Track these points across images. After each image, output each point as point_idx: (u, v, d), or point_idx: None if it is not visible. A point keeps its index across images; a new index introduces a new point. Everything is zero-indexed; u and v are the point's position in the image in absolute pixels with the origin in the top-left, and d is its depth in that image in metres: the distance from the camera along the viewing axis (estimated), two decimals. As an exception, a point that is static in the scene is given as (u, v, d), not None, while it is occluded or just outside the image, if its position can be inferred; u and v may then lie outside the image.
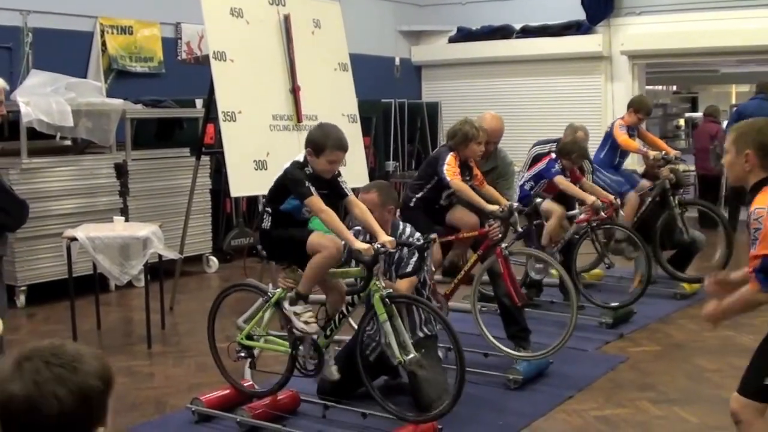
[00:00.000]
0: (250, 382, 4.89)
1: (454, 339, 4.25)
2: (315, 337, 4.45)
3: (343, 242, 4.43)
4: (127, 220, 6.74)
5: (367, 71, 11.17)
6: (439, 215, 5.61)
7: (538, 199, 5.85)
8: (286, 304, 4.47)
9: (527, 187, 6.74)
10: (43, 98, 7.37)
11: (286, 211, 4.42)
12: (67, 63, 8.61)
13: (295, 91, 6.95)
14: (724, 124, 12.20)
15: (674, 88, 19.51)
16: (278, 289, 4.64)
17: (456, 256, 5.75)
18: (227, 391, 4.79)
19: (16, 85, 7.73)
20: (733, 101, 17.20)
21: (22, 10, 8.63)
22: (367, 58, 11.84)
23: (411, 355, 4.24)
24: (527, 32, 12.93)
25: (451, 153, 5.37)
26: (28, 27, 8.68)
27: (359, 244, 4.21)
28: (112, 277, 6.40)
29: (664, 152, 7.52)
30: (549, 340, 5.41)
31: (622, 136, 7.55)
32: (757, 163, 3.13)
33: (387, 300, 4.27)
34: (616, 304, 6.73)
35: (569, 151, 6.54)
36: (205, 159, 8.35)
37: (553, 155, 6.60)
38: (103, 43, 9.44)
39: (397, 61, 13.76)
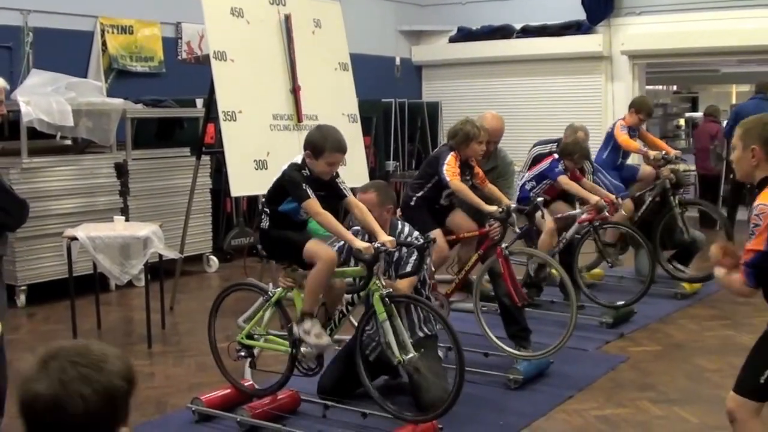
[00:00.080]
0: (251, 382, 4.89)
1: (454, 338, 4.25)
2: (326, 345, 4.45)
3: (342, 242, 4.44)
4: (127, 220, 6.74)
5: (368, 71, 11.17)
6: (440, 215, 5.61)
7: (539, 199, 5.84)
8: (295, 328, 4.46)
9: (528, 187, 6.74)
10: (44, 98, 7.37)
11: (284, 212, 4.43)
12: (68, 63, 8.61)
13: (295, 90, 6.95)
14: (725, 123, 12.20)
15: (674, 88, 19.49)
16: (278, 289, 4.65)
17: (466, 254, 5.74)
18: (227, 391, 4.79)
19: (17, 85, 7.73)
20: (734, 101, 17.19)
21: (22, 10, 8.63)
22: (368, 58, 11.84)
23: (410, 355, 4.24)
24: (527, 32, 12.93)
25: (452, 153, 5.36)
26: (29, 26, 8.67)
27: (359, 243, 4.22)
28: (112, 277, 6.40)
29: (664, 152, 7.53)
30: (549, 340, 5.41)
31: (622, 137, 7.56)
32: (763, 158, 3.15)
33: (386, 299, 4.27)
34: (620, 303, 6.73)
35: (571, 151, 6.55)
36: (206, 159, 8.36)
37: (556, 156, 6.60)
38: (104, 43, 9.44)
39: (398, 61, 13.76)
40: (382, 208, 4.71)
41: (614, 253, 7.26)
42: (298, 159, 4.39)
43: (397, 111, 12.54)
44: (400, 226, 4.89)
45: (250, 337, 4.69)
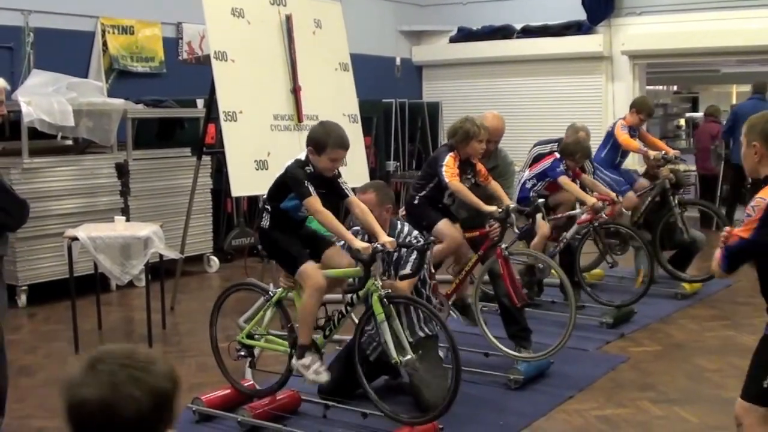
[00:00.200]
0: (251, 382, 4.89)
1: (450, 339, 4.26)
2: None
3: (342, 242, 4.45)
4: (128, 220, 6.75)
5: (368, 71, 11.18)
6: (443, 214, 5.60)
7: (540, 200, 5.85)
8: (294, 360, 4.46)
9: (529, 185, 6.74)
10: (45, 98, 7.37)
11: (285, 209, 4.43)
12: (69, 63, 8.62)
13: (296, 91, 6.96)
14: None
15: (675, 88, 19.49)
16: (279, 289, 4.65)
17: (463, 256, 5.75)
18: (228, 391, 4.80)
19: (18, 85, 7.74)
20: (734, 101, 17.17)
21: (23, 10, 8.64)
22: (368, 58, 11.85)
23: (408, 356, 4.25)
24: (528, 32, 12.93)
25: (450, 153, 5.35)
26: (30, 27, 8.68)
27: (358, 243, 4.22)
28: (113, 277, 6.40)
29: (663, 152, 7.53)
30: (550, 340, 5.41)
31: (623, 136, 7.56)
32: (765, 154, 3.20)
33: (385, 300, 4.28)
34: (619, 302, 6.74)
35: (573, 151, 6.55)
36: (206, 159, 8.36)
37: (557, 155, 6.60)
38: (104, 43, 9.44)
39: (398, 61, 13.76)
40: (381, 208, 4.71)
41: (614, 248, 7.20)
42: (302, 155, 4.40)
43: (397, 111, 12.54)
44: (399, 226, 4.90)
45: (250, 337, 4.70)
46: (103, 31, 9.43)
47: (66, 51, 8.87)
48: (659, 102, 17.27)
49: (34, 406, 4.93)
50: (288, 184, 4.35)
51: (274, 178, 4.53)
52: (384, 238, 4.27)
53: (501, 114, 6.21)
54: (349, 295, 4.51)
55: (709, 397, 4.96)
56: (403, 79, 13.78)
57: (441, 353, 4.98)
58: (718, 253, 3.22)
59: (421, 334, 4.80)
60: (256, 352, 4.79)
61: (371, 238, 4.40)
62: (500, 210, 5.24)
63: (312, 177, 4.31)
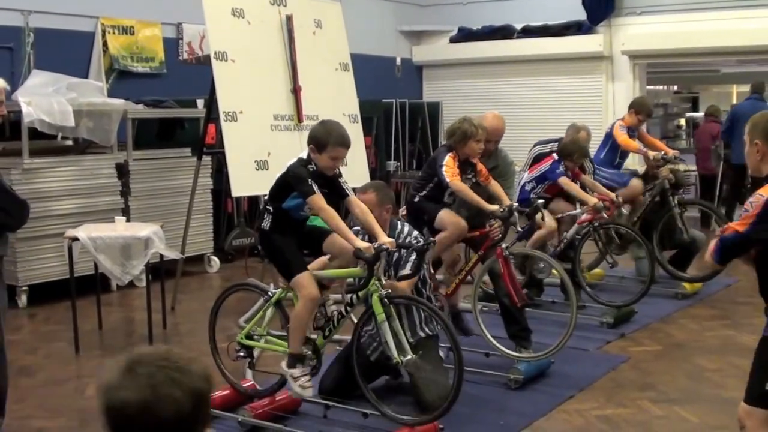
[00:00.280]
0: (251, 382, 4.89)
1: (453, 339, 4.26)
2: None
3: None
4: (128, 220, 6.76)
5: (368, 71, 11.19)
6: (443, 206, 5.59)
7: (540, 200, 5.85)
8: (283, 365, 4.47)
9: (528, 188, 6.74)
10: (45, 98, 7.37)
11: (287, 209, 4.43)
12: (69, 63, 8.62)
13: (296, 91, 6.96)
14: (725, 124, 12.21)
15: (675, 88, 19.49)
16: (279, 289, 4.65)
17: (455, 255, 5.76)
18: (228, 391, 4.80)
19: (18, 85, 7.74)
20: (734, 101, 17.16)
21: (23, 11, 8.64)
22: (368, 58, 11.85)
23: (408, 357, 4.25)
24: (528, 32, 12.94)
25: (449, 153, 5.35)
26: (30, 27, 8.68)
27: (360, 243, 4.22)
28: (113, 277, 6.40)
29: (663, 152, 7.54)
30: (550, 340, 5.41)
31: (622, 137, 7.57)
32: (767, 152, 3.22)
33: (386, 300, 4.28)
34: (620, 302, 6.75)
35: (570, 152, 6.55)
36: (207, 159, 8.36)
37: (555, 156, 6.60)
38: (105, 44, 9.45)
39: (398, 61, 13.77)
40: (381, 208, 4.71)
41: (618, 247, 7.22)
42: (304, 154, 4.40)
43: (397, 111, 12.55)
44: (399, 226, 4.90)
45: (249, 337, 4.69)
46: (104, 32, 9.43)
47: (66, 51, 8.88)
48: (659, 102, 17.27)
49: (34, 407, 4.93)
50: (290, 183, 4.35)
51: (274, 178, 4.53)
52: (384, 238, 4.27)
53: (501, 114, 6.21)
54: (349, 295, 4.51)
55: (710, 397, 4.96)
56: (403, 79, 13.79)
57: (441, 353, 4.98)
58: (713, 244, 3.25)
59: (422, 334, 4.80)
60: (256, 352, 4.79)
61: (371, 238, 4.40)
62: (502, 209, 5.24)
63: (314, 176, 4.31)
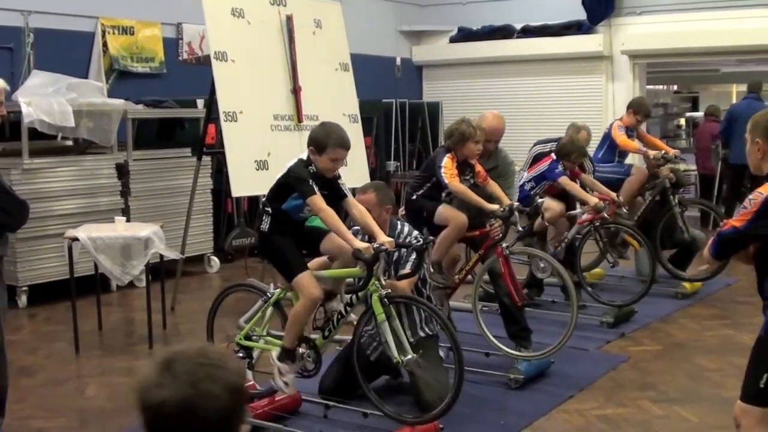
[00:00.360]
0: (251, 382, 4.88)
1: (453, 339, 4.26)
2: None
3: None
4: (128, 221, 6.75)
5: (368, 71, 11.19)
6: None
7: (540, 200, 5.85)
8: (273, 355, 4.49)
9: (527, 187, 6.74)
10: (45, 98, 7.37)
11: (286, 210, 4.43)
12: (69, 63, 8.62)
13: (296, 91, 6.96)
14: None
15: (675, 87, 19.49)
16: (278, 290, 4.65)
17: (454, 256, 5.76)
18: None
19: (18, 86, 7.74)
20: (734, 101, 17.15)
21: (23, 11, 8.64)
22: (368, 58, 11.85)
23: (409, 356, 4.25)
24: (528, 32, 12.94)
25: (448, 154, 5.36)
26: (30, 27, 8.68)
27: (359, 243, 4.22)
28: (113, 278, 6.40)
29: (663, 151, 7.54)
30: (550, 340, 5.41)
31: (620, 137, 7.57)
32: (767, 150, 3.20)
33: (385, 300, 4.28)
34: (620, 302, 6.75)
35: (568, 151, 6.54)
36: (207, 159, 8.36)
37: (554, 156, 6.60)
38: (105, 44, 9.45)
39: (398, 61, 13.77)
40: (381, 208, 4.71)
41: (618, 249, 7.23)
42: (304, 156, 4.41)
43: (397, 111, 12.55)
44: (399, 226, 4.90)
45: (248, 338, 4.69)
46: (103, 32, 9.43)
47: (66, 51, 8.88)
48: (659, 102, 17.28)
49: (35, 407, 4.93)
50: (290, 184, 4.36)
51: (274, 178, 4.53)
52: (382, 238, 4.27)
53: (501, 114, 6.21)
54: (349, 295, 4.52)
55: (710, 397, 4.96)
56: (403, 79, 13.79)
57: (441, 353, 4.98)
58: (711, 240, 3.27)
59: (422, 333, 4.80)
60: (255, 353, 4.78)
61: (371, 238, 4.40)
62: (503, 209, 5.24)
63: (314, 177, 4.32)
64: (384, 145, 12.21)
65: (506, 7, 13.21)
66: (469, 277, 5.73)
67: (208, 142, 8.11)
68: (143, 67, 9.86)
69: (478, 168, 5.53)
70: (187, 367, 1.63)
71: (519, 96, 12.81)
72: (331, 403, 4.66)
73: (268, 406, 4.61)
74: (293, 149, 6.02)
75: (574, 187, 6.53)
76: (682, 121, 18.30)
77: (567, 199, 6.76)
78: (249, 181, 6.53)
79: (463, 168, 5.43)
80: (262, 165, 6.60)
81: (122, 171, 7.21)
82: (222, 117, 6.47)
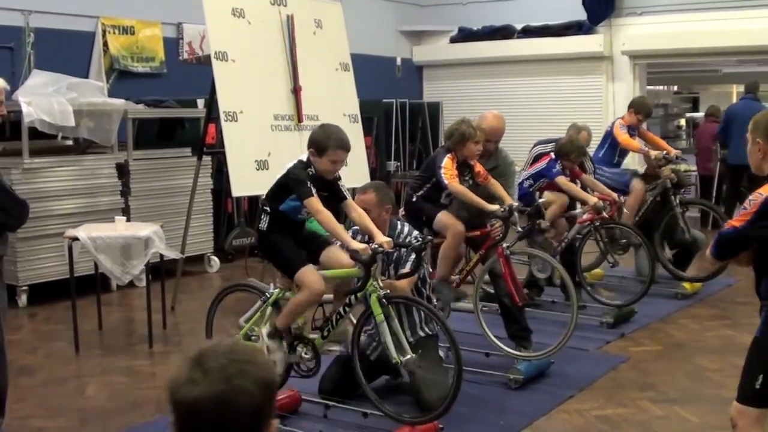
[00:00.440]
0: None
1: (451, 339, 4.26)
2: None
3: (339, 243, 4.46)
4: (128, 220, 6.75)
5: (369, 71, 11.19)
6: (442, 207, 5.59)
7: (541, 200, 5.85)
8: (264, 331, 4.51)
9: (526, 184, 6.74)
10: (45, 98, 7.37)
11: (284, 211, 4.43)
12: (69, 63, 8.62)
13: (296, 91, 6.96)
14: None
15: (675, 88, 19.50)
16: (277, 290, 4.65)
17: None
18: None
19: (18, 85, 7.74)
20: (734, 101, 17.18)
21: (23, 10, 8.65)
22: (369, 58, 11.86)
23: (407, 357, 4.25)
24: (528, 32, 12.94)
25: (448, 155, 5.36)
26: (30, 27, 8.68)
27: (356, 244, 4.23)
28: (113, 277, 6.40)
29: (665, 152, 7.53)
30: (550, 340, 5.41)
31: (622, 136, 7.56)
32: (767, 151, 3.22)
33: (384, 300, 4.28)
34: (620, 302, 6.75)
35: (567, 151, 6.54)
36: (207, 159, 8.36)
37: (553, 155, 6.60)
38: (105, 43, 9.45)
39: (399, 61, 13.77)
40: (380, 208, 4.72)
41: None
42: (304, 157, 4.41)
43: (398, 111, 12.55)
44: (399, 227, 4.90)
45: (247, 338, 4.69)
46: (104, 32, 9.44)
47: (66, 51, 8.88)
48: (660, 102, 17.28)
49: (35, 406, 4.93)
50: (289, 185, 4.36)
51: (274, 178, 4.53)
52: (381, 238, 4.27)
53: (501, 114, 6.21)
54: (348, 296, 4.51)
55: (710, 397, 4.95)
56: (403, 79, 13.79)
57: (441, 353, 4.98)
58: (712, 240, 3.29)
59: (422, 333, 4.80)
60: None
61: (369, 238, 4.40)
62: (503, 209, 5.24)
63: (313, 179, 4.32)
64: (384, 145, 12.22)
65: (507, 8, 13.22)
66: (469, 277, 5.74)
67: (208, 142, 8.11)
68: (144, 67, 9.86)
69: (478, 168, 5.52)
70: (218, 362, 1.63)
71: (519, 96, 12.81)
72: (330, 403, 4.66)
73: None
74: (293, 149, 6.03)
75: (572, 188, 6.53)
76: (683, 122, 18.31)
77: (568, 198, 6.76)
78: (249, 181, 6.53)
79: (462, 169, 5.43)
80: (262, 165, 6.60)
81: (122, 171, 7.21)
82: (222, 117, 6.47)
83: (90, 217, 7.40)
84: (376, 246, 4.21)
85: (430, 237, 4.95)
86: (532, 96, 12.79)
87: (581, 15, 12.39)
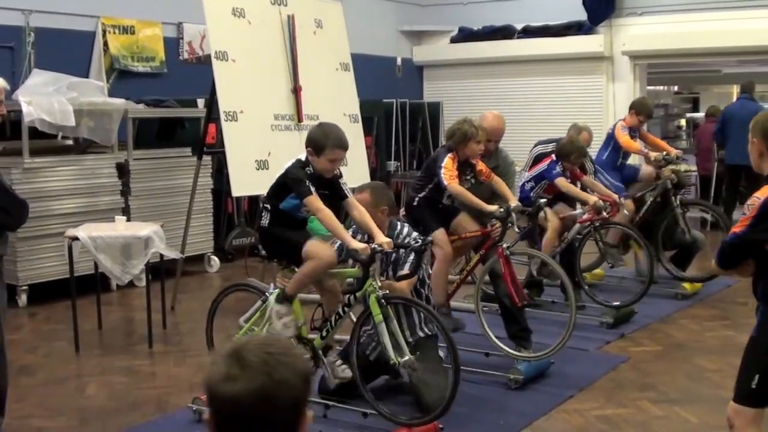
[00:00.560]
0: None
1: (449, 339, 4.26)
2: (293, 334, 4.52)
3: (339, 242, 4.45)
4: (128, 220, 6.75)
5: (369, 71, 11.19)
6: (444, 213, 5.60)
7: (542, 200, 5.85)
8: (271, 299, 4.51)
9: (527, 187, 6.74)
10: (45, 98, 7.37)
11: (285, 209, 4.44)
12: (69, 63, 8.62)
13: (296, 91, 6.96)
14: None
15: (675, 88, 19.48)
16: (276, 289, 4.66)
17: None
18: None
19: (18, 85, 7.74)
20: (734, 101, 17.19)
21: (24, 10, 8.64)
22: (369, 58, 11.85)
23: (406, 357, 4.25)
24: (529, 32, 12.93)
25: (449, 155, 5.35)
26: (30, 26, 8.68)
27: (356, 244, 4.23)
28: (113, 277, 6.40)
29: (665, 153, 7.54)
30: (550, 340, 5.41)
31: (623, 137, 7.56)
32: (764, 151, 3.25)
33: (383, 301, 4.28)
34: (620, 302, 6.75)
35: (568, 152, 6.54)
36: (207, 159, 8.36)
37: (554, 156, 6.60)
38: (105, 43, 9.45)
39: (399, 61, 13.77)
40: (375, 209, 4.69)
41: (617, 254, 7.26)
42: (302, 156, 4.41)
43: (398, 111, 12.54)
44: (399, 227, 4.90)
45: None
46: (104, 31, 9.43)
47: (67, 51, 8.88)
48: (660, 102, 17.26)
49: (34, 406, 4.93)
50: (288, 185, 4.36)
51: (274, 178, 4.54)
52: (381, 238, 4.28)
53: (502, 114, 6.21)
54: (347, 296, 4.52)
55: (710, 397, 4.95)
56: (403, 79, 13.79)
57: (441, 353, 4.98)
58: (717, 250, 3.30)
59: (421, 334, 4.80)
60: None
61: (369, 238, 4.40)
62: (501, 210, 5.24)
63: (312, 177, 4.32)
64: (384, 145, 12.21)
65: (507, 8, 13.21)
66: (469, 277, 5.74)
67: (208, 142, 8.11)
68: (144, 67, 9.86)
69: (480, 166, 5.52)
70: (257, 357, 1.62)
71: (520, 96, 12.81)
72: (330, 403, 4.65)
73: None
74: (293, 149, 6.02)
75: (571, 189, 6.53)
76: (683, 122, 18.29)
77: (568, 198, 6.76)
78: (249, 181, 6.53)
79: (464, 168, 5.43)
80: (262, 165, 6.60)
81: (122, 170, 7.20)
82: (222, 116, 6.47)
83: (90, 216, 7.40)
84: (376, 246, 4.21)
85: (430, 239, 4.95)
86: (533, 96, 12.79)
87: (581, 15, 12.38)
